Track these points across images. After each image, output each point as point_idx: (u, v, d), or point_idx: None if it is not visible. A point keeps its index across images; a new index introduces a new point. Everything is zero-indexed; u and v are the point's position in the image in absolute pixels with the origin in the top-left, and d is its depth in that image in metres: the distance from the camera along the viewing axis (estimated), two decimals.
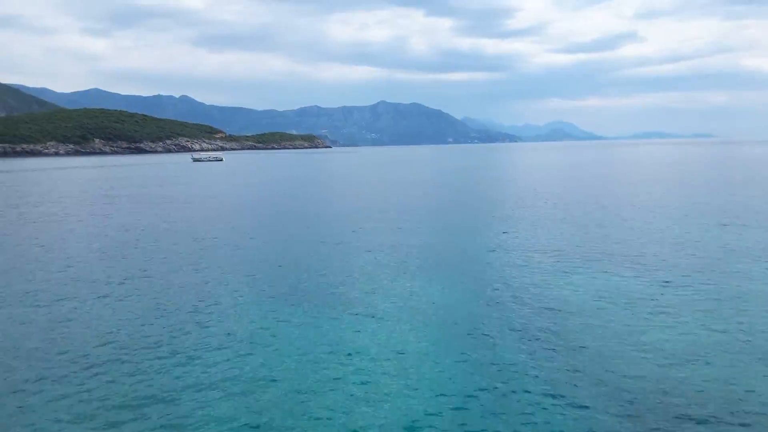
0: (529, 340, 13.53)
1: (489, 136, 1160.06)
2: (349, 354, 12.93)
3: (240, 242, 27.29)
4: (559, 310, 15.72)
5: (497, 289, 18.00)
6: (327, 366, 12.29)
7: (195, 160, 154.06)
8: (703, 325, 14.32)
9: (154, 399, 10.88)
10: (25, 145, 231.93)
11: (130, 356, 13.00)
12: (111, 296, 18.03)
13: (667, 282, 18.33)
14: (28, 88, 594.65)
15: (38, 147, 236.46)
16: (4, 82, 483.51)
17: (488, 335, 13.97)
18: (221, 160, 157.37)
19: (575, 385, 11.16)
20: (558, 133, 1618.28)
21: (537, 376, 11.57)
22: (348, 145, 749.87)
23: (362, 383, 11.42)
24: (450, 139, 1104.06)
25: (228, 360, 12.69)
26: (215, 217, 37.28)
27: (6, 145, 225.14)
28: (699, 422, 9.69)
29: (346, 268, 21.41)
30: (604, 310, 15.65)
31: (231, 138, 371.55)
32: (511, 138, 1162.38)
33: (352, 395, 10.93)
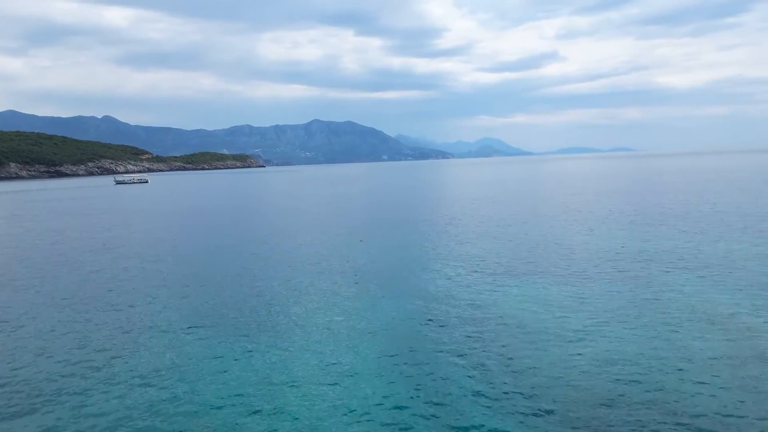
0: (466, 352, 13.52)
1: (423, 153, 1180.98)
2: (286, 378, 12.46)
3: (171, 265, 26.09)
4: (493, 322, 15.86)
5: (433, 304, 17.99)
6: (264, 390, 11.79)
7: (118, 182, 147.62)
8: (624, 329, 14.81)
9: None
10: None
11: (54, 386, 12.00)
12: (28, 327, 16.68)
13: (591, 290, 18.96)
14: None
15: None
16: None
17: (426, 349, 13.86)
18: (146, 181, 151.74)
19: (512, 394, 11.20)
20: (488, 149, 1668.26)
21: (475, 388, 11.52)
22: (282, 164, 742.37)
23: (301, 407, 11.01)
24: (384, 156, 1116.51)
25: (166, 384, 11.94)
26: (145, 239, 35.60)
27: None
28: (626, 423, 9.91)
29: (283, 288, 20.87)
30: (535, 320, 15.92)
31: (158, 159, 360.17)
32: (444, 155, 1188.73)
33: (289, 419, 10.50)
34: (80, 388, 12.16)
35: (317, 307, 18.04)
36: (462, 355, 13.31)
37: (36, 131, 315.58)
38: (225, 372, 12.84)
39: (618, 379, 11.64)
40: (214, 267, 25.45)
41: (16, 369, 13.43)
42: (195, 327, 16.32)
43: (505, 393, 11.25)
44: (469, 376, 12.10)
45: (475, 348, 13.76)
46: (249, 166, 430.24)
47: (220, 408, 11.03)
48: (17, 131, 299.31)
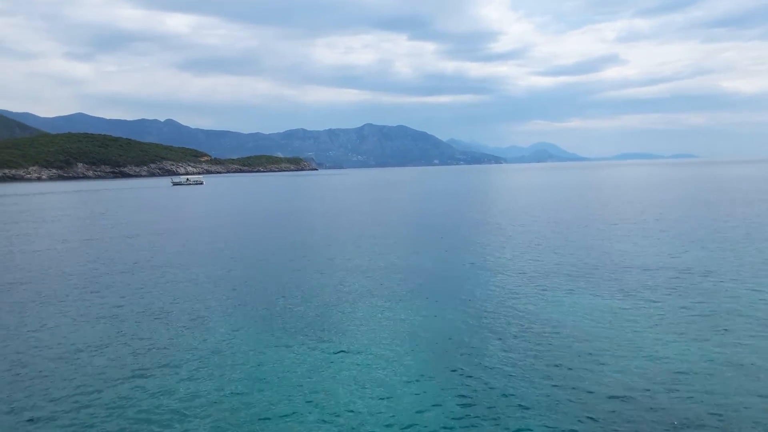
0: (517, 363, 13.12)
1: (474, 157, 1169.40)
2: (331, 381, 12.44)
3: (221, 267, 26.69)
4: (546, 332, 15.35)
5: (483, 312, 17.62)
6: (308, 394, 11.80)
7: (175, 183, 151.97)
8: (684, 343, 14.03)
9: (122, 421, 10.32)
10: (6, 171, 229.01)
11: (102, 379, 12.43)
12: (89, 321, 17.38)
13: (649, 301, 18.10)
14: (11, 113, 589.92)
15: (20, 172, 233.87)
16: None
17: (475, 358, 13.55)
18: (202, 183, 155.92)
19: (561, 407, 10.77)
20: (542, 154, 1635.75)
21: (526, 402, 11.14)
22: (334, 168, 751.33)
23: (343, 412, 10.95)
24: (436, 161, 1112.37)
25: (207, 386, 12.15)
26: (195, 241, 36.63)
27: None
28: None
29: (331, 292, 20.94)
30: (588, 331, 15.32)
31: (216, 161, 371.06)
32: (497, 159, 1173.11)
33: (330, 425, 10.45)
34: (130, 389, 12.51)
35: (365, 313, 17.96)
36: (512, 366, 12.91)
37: (103, 133, 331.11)
38: (274, 374, 12.91)
39: (676, 396, 10.99)
40: (263, 270, 25.84)
41: (77, 365, 13.97)
42: (241, 329, 16.55)
43: (557, 404, 10.81)
44: (520, 388, 11.70)
45: (527, 359, 13.32)
46: (302, 169, 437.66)
47: (269, 411, 11.11)
48: (85, 133, 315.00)
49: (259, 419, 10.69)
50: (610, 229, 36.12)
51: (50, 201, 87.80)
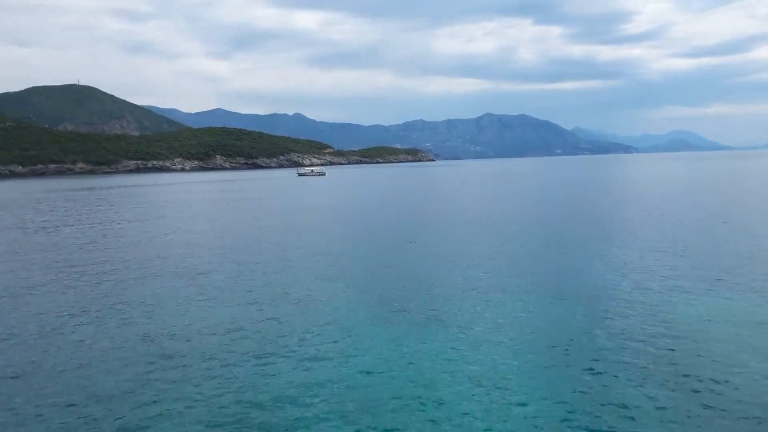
0: (637, 368, 12.86)
1: (601, 146, 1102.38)
2: (442, 374, 12.96)
3: (339, 251, 28.23)
4: (675, 335, 14.79)
5: (607, 310, 17.27)
6: (418, 385, 12.39)
7: (300, 174, 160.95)
8: None
9: (244, 400, 11.66)
10: (155, 162, 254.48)
11: (229, 357, 14.01)
12: (215, 301, 19.44)
13: None
14: (160, 109, 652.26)
15: (167, 163, 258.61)
16: (139, 104, 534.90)
17: (594, 359, 13.47)
18: (324, 174, 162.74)
19: (689, 420, 10.49)
20: (680, 143, 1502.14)
21: (644, 412, 10.97)
22: (451, 159, 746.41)
23: (453, 405, 11.46)
24: (559, 151, 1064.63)
25: (320, 373, 13.25)
26: (318, 226, 38.80)
27: (139, 161, 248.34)
28: None
29: (447, 283, 21.51)
30: (724, 336, 14.57)
31: (338, 153, 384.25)
32: (626, 149, 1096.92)
33: (440, 414, 11.04)
34: (249, 372, 13.89)
35: (482, 305, 18.29)
36: (634, 370, 12.67)
37: (238, 127, 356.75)
38: (385, 363, 13.68)
39: None
40: (373, 259, 26.95)
41: (203, 346, 15.71)
42: (355, 319, 17.57)
43: (685, 416, 10.54)
44: (640, 396, 11.49)
45: (652, 365, 12.93)
46: (420, 160, 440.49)
47: (378, 401, 11.88)
48: (223, 128, 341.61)
49: (369, 408, 11.21)
50: (754, 226, 33.04)
51: (193, 190, 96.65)
